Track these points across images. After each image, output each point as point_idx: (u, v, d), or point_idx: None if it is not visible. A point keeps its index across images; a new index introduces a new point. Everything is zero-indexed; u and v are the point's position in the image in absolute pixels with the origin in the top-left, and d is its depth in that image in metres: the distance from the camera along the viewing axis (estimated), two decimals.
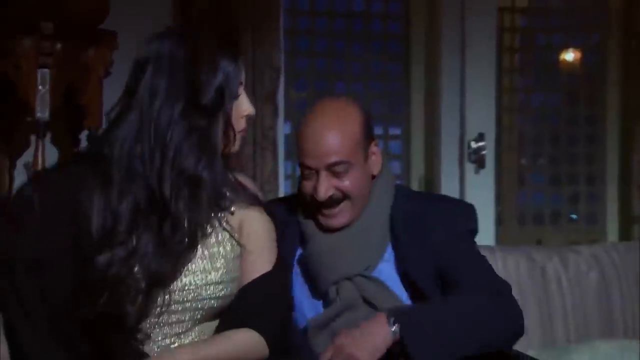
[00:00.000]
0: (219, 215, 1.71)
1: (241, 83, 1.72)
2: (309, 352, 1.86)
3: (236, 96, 1.70)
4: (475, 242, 2.07)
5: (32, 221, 1.58)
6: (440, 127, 3.58)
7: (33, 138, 3.08)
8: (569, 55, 3.96)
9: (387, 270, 1.98)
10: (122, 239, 1.59)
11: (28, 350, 1.55)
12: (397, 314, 1.80)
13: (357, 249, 1.97)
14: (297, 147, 1.98)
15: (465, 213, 2.05)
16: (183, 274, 1.66)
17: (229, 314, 1.71)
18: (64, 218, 1.59)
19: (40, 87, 2.91)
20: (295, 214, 2.03)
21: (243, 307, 1.70)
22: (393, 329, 1.78)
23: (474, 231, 2.05)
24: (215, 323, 1.73)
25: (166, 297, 1.63)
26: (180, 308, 1.68)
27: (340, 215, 1.96)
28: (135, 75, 1.66)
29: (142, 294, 1.60)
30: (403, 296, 1.97)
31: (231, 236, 1.72)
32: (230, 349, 1.65)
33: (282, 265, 1.81)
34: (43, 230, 1.58)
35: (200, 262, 1.69)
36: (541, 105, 3.96)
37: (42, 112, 2.91)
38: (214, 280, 1.69)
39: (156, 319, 1.66)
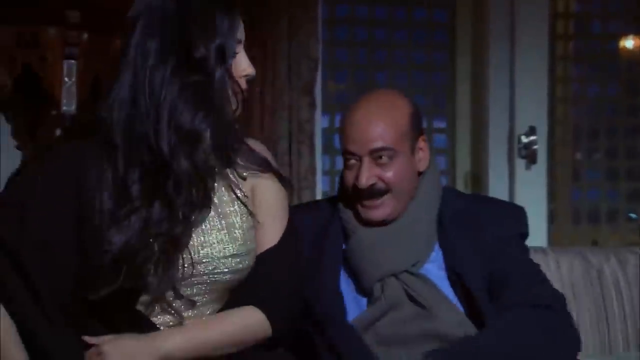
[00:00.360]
0: (232, 179, 1.71)
1: (239, 41, 1.69)
2: (358, 345, 1.85)
3: (233, 54, 1.67)
4: (526, 247, 2.06)
5: (35, 203, 1.59)
6: (488, 120, 3.54)
7: (59, 132, 3.07)
8: (629, 43, 3.84)
9: (434, 270, 1.98)
10: (136, 206, 1.60)
11: (38, 333, 1.56)
12: (435, 356, 1.77)
13: (404, 244, 1.97)
14: (340, 136, 1.99)
15: (517, 216, 2.05)
16: (200, 245, 1.66)
17: (235, 289, 1.71)
18: (68, 196, 1.60)
19: (66, 79, 2.93)
20: (337, 211, 2.04)
21: (248, 283, 1.70)
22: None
23: (525, 235, 2.05)
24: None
25: (186, 266, 1.63)
26: (197, 281, 1.67)
27: (381, 207, 1.96)
28: (127, 33, 1.65)
29: (162, 263, 1.59)
30: (450, 296, 1.95)
31: (244, 205, 1.72)
32: (229, 330, 1.66)
33: (293, 235, 1.79)
34: (47, 211, 1.60)
35: (217, 233, 1.68)
36: (597, 96, 3.86)
37: (68, 105, 2.91)
38: (231, 252, 1.68)
39: (173, 292, 1.65)
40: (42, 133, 3.16)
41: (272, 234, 1.73)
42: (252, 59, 3.18)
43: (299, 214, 2.03)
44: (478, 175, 3.64)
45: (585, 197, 3.83)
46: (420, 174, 2.01)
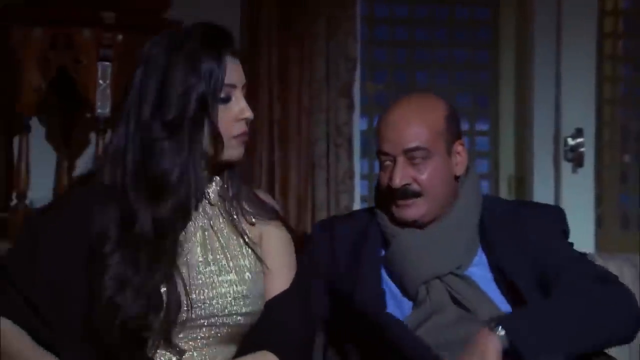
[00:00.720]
0: (240, 225, 1.76)
1: (233, 85, 1.71)
2: (412, 341, 1.86)
3: (224, 99, 1.69)
4: (570, 242, 2.06)
5: (47, 244, 1.66)
6: (532, 122, 3.50)
7: (93, 136, 3.08)
8: None
9: (479, 273, 1.99)
10: (114, 251, 1.65)
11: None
12: (501, 321, 1.79)
13: (447, 247, 1.99)
14: (376, 138, 2.03)
15: (556, 214, 2.07)
16: (211, 286, 1.70)
17: (247, 335, 1.74)
18: (78, 238, 1.65)
19: (100, 82, 2.92)
20: (374, 217, 2.06)
21: (260, 328, 1.73)
22: (501, 335, 1.77)
23: (566, 232, 2.06)
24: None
25: (194, 308, 1.67)
26: (206, 322, 1.70)
27: (414, 207, 1.98)
28: (131, 81, 1.73)
29: (162, 301, 1.65)
30: (497, 300, 1.96)
31: (253, 250, 1.77)
32: None
33: (302, 280, 1.82)
34: (58, 252, 1.66)
35: (227, 274, 1.72)
36: None
37: (103, 108, 2.91)
38: (241, 294, 1.71)
39: (180, 334, 1.69)
40: (77, 136, 3.18)
41: (281, 281, 1.77)
42: (288, 59, 3.36)
43: (336, 224, 2.04)
44: (522, 179, 3.60)
45: (633, 201, 3.77)
46: (457, 178, 2.02)
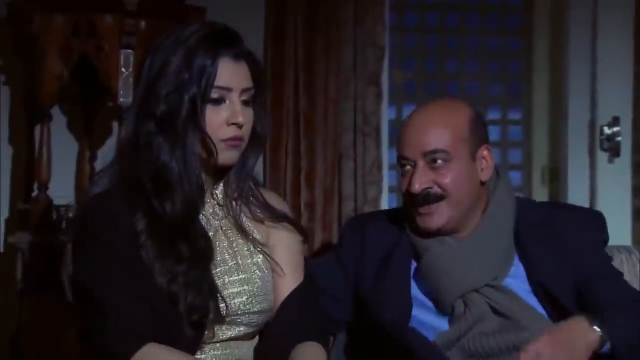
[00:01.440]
0: (247, 225, 1.79)
1: (228, 88, 1.71)
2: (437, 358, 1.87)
3: (214, 100, 1.70)
4: (608, 255, 2.07)
5: (98, 252, 1.67)
6: (567, 110, 3.46)
7: (115, 125, 3.08)
8: None
9: (516, 284, 1.97)
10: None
11: None
12: (599, 319, 1.81)
13: (483, 259, 1.97)
14: (397, 144, 2.01)
15: (597, 222, 2.06)
16: (226, 283, 1.72)
17: (283, 330, 1.77)
18: (126, 244, 1.67)
19: (123, 70, 2.91)
20: (405, 227, 2.04)
21: (287, 322, 1.77)
22: (598, 333, 1.80)
23: (605, 242, 2.06)
24: (250, 343, 1.79)
25: (221, 305, 1.70)
26: (228, 321, 1.74)
27: (436, 215, 1.96)
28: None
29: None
30: (538, 310, 1.96)
31: (260, 249, 1.80)
32: None
33: (313, 280, 1.86)
34: (109, 260, 1.67)
35: (236, 274, 1.75)
36: None
37: (125, 97, 2.90)
38: (252, 293, 1.75)
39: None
40: (98, 126, 3.18)
41: (292, 283, 1.81)
42: (314, 47, 3.34)
43: (369, 225, 2.03)
44: (556, 170, 3.58)
45: None
46: (483, 184, 1.99)
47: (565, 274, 1.93)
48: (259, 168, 3.18)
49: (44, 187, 2.97)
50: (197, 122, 1.68)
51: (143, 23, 2.93)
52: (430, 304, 1.98)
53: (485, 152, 1.99)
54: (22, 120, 3.17)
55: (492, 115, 3.77)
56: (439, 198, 1.94)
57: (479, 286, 1.94)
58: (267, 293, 1.78)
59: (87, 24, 2.92)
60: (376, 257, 2.00)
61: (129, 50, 2.90)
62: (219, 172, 1.78)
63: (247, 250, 1.79)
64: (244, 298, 1.74)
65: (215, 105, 1.71)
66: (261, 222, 1.82)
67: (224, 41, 1.71)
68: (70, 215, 2.87)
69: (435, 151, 1.93)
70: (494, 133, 3.77)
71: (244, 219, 1.81)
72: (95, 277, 1.65)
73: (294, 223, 1.86)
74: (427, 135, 1.94)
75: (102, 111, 3.15)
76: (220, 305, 1.69)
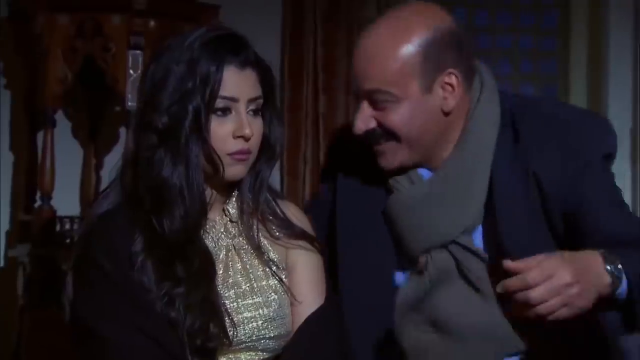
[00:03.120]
0: (263, 244, 1.79)
1: (234, 99, 1.69)
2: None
3: (219, 111, 1.68)
4: (610, 173, 1.83)
5: (105, 294, 1.66)
6: (607, 114, 3.42)
7: (123, 130, 3.09)
8: None
9: (480, 238, 1.82)
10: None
11: None
12: (616, 256, 1.62)
13: (451, 204, 1.80)
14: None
15: (596, 132, 1.82)
16: (236, 310, 1.72)
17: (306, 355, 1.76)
18: (127, 273, 1.66)
19: (131, 72, 2.93)
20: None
21: (309, 348, 1.75)
22: (613, 271, 1.61)
23: (609, 156, 1.82)
24: None
25: (229, 331, 1.69)
26: (233, 349, 1.72)
27: (390, 154, 1.81)
28: None
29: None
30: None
31: (276, 272, 1.78)
32: None
33: (333, 303, 1.82)
34: (116, 296, 1.66)
35: (251, 297, 1.74)
36: None
37: (133, 101, 2.89)
38: (268, 317, 1.74)
39: None
40: (105, 131, 3.19)
41: (312, 306, 1.79)
42: (335, 47, 3.33)
43: (342, 170, 1.91)
44: None
45: None
46: (447, 114, 1.81)
47: (534, 224, 1.75)
48: (275, 176, 3.22)
49: (46, 196, 2.99)
50: (202, 135, 1.66)
51: (152, 23, 2.96)
52: (393, 251, 1.85)
53: (448, 79, 1.77)
54: (23, 126, 3.20)
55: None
56: (388, 137, 1.80)
57: (445, 242, 1.80)
58: (284, 317, 1.76)
59: (93, 24, 2.95)
60: (348, 200, 1.90)
61: (138, 52, 2.93)
62: (230, 187, 1.76)
63: (263, 271, 1.77)
64: (259, 323, 1.72)
65: (220, 117, 1.69)
66: (279, 239, 1.80)
67: (230, 47, 1.68)
68: (75, 229, 2.87)
69: (375, 91, 1.77)
70: None
71: (260, 236, 1.79)
72: (95, 312, 1.64)
73: (314, 241, 1.83)
74: (367, 71, 1.77)
75: (109, 116, 3.18)
76: (230, 331, 1.67)
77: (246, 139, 1.69)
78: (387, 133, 1.79)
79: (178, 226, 1.65)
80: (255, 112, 1.71)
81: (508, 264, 1.54)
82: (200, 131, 1.65)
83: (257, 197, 1.76)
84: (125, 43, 2.93)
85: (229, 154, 1.69)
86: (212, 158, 1.67)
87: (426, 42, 1.75)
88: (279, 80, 3.35)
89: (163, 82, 1.66)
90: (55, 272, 2.75)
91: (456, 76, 1.77)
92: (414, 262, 1.81)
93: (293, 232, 1.79)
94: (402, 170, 1.83)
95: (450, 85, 1.77)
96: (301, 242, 1.80)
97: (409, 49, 1.75)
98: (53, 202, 2.98)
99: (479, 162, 1.81)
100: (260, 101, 1.72)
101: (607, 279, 1.60)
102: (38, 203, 3.02)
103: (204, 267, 1.68)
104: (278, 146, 1.77)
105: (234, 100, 1.68)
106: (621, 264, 1.61)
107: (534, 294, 1.53)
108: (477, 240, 1.81)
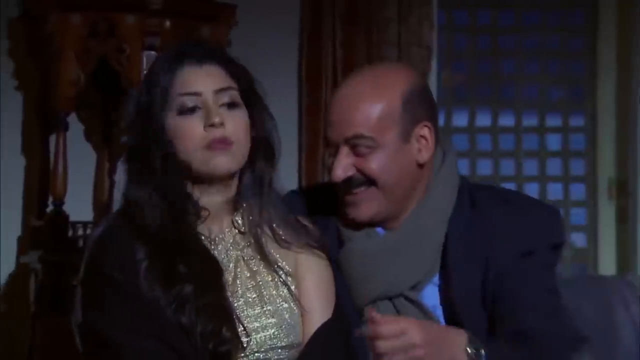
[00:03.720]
0: (271, 252, 1.79)
1: (196, 93, 1.71)
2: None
3: (183, 110, 1.70)
4: (552, 264, 1.91)
5: (118, 305, 1.67)
6: (637, 116, 3.50)
7: None
8: None
9: (434, 296, 1.89)
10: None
11: None
12: (480, 343, 1.71)
13: (404, 259, 1.87)
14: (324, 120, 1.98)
15: (544, 222, 1.90)
16: (249, 317, 1.73)
17: None
18: (136, 281, 1.67)
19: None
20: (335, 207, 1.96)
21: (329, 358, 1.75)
22: (473, 356, 1.70)
23: (555, 246, 1.90)
24: None
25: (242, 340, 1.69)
26: (254, 358, 1.73)
27: (364, 204, 1.87)
28: None
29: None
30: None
31: (286, 281, 1.79)
32: None
33: (341, 308, 1.83)
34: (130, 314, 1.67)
35: (261, 306, 1.74)
36: None
37: None
38: (279, 326, 1.74)
39: None
40: (119, 135, 3.18)
41: (322, 317, 1.79)
42: (354, 47, 3.33)
43: (297, 206, 1.94)
44: (624, 183, 3.57)
45: None
46: (421, 166, 1.89)
47: (478, 287, 1.83)
48: (293, 180, 3.21)
49: (59, 202, 2.98)
50: (166, 140, 1.71)
51: (168, 23, 2.96)
52: (346, 295, 1.89)
53: (424, 131, 1.87)
54: (35, 129, 3.20)
55: (552, 122, 3.72)
56: (366, 183, 1.86)
57: (392, 294, 1.86)
58: (295, 326, 1.75)
59: (107, 24, 2.94)
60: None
61: (153, 53, 2.91)
62: (236, 198, 1.76)
63: (272, 280, 1.77)
64: (270, 332, 1.72)
65: (188, 116, 1.71)
66: (288, 247, 1.80)
67: (185, 50, 1.73)
68: (88, 234, 2.87)
69: (356, 136, 1.83)
70: (553, 142, 3.72)
71: (269, 244, 1.79)
72: (109, 322, 1.65)
73: (323, 249, 1.83)
74: (349, 118, 1.84)
75: (124, 119, 3.15)
76: (243, 340, 1.68)
77: (218, 126, 1.69)
78: (367, 180, 1.85)
79: (157, 229, 1.68)
80: (231, 106, 1.72)
81: (372, 314, 1.65)
82: (163, 137, 1.69)
83: (260, 199, 1.76)
84: (139, 44, 2.93)
85: (205, 147, 1.69)
86: (184, 160, 1.70)
87: (405, 93, 1.85)
88: (297, 82, 3.36)
89: (127, 105, 1.72)
90: (68, 279, 2.74)
91: (429, 129, 1.87)
92: (361, 312, 1.86)
93: (302, 240, 1.80)
94: (365, 225, 1.88)
95: (424, 138, 1.87)
96: (310, 250, 1.80)
97: (391, 97, 1.85)
98: (65, 208, 2.97)
99: (436, 221, 1.88)
100: (234, 92, 1.73)
101: (464, 359, 1.68)
102: (50, 208, 3.02)
103: (207, 266, 1.69)
104: (275, 142, 1.77)
105: (196, 94, 1.70)
106: (485, 352, 1.69)
107: (381, 344, 1.63)
108: (431, 296, 1.87)
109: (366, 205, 1.86)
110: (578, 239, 3.68)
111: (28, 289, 2.98)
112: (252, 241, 1.77)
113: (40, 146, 3.16)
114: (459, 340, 1.70)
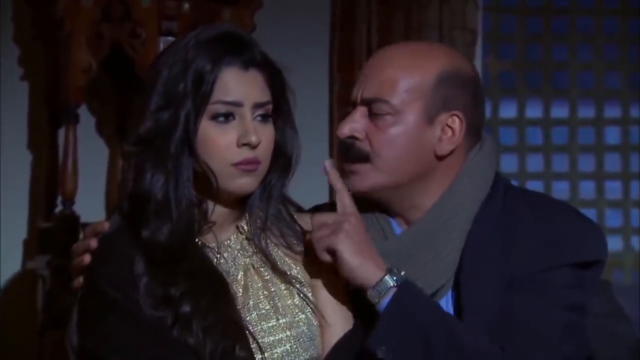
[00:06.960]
0: (282, 261, 1.79)
1: (236, 103, 1.68)
2: None
3: (219, 117, 1.68)
4: (578, 284, 1.85)
5: (116, 325, 1.66)
6: None
7: None
8: None
9: (447, 309, 1.86)
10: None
11: None
12: (404, 282, 1.74)
13: (423, 262, 1.85)
14: None
15: (575, 237, 1.85)
16: (264, 331, 1.73)
17: None
18: (136, 303, 1.66)
19: None
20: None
21: None
22: (384, 285, 1.74)
23: (585, 264, 1.84)
24: None
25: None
26: None
27: (359, 177, 1.85)
28: None
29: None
30: None
31: (300, 290, 1.79)
32: None
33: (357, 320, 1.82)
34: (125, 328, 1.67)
35: (276, 319, 1.74)
36: None
37: None
38: (297, 338, 1.74)
39: None
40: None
41: (339, 330, 1.79)
42: (391, 31, 3.33)
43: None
44: None
45: None
46: (440, 158, 1.86)
47: (491, 301, 1.81)
48: (323, 187, 3.22)
49: (68, 201, 3.01)
50: (192, 145, 1.68)
51: (186, 5, 3.00)
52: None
53: (453, 121, 1.84)
54: (43, 122, 3.22)
55: (610, 112, 3.72)
56: (364, 158, 1.85)
57: None
58: (314, 338, 1.76)
59: (121, 7, 2.98)
60: None
61: (170, 38, 2.91)
62: (242, 202, 1.76)
63: (286, 289, 1.77)
64: (288, 346, 1.73)
65: (222, 123, 1.68)
66: (299, 255, 1.80)
67: (230, 46, 1.68)
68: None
69: (378, 99, 1.82)
70: (611, 135, 3.70)
71: (279, 252, 1.79)
72: (106, 346, 1.65)
73: None
74: (376, 79, 1.83)
75: None
76: (258, 358, 1.68)
77: (252, 147, 1.67)
78: (365, 152, 1.85)
79: (163, 242, 1.67)
80: (264, 118, 1.70)
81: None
82: (191, 142, 1.66)
83: (265, 209, 1.76)
84: (156, 28, 2.96)
85: (234, 165, 1.68)
86: (205, 171, 1.67)
87: (443, 72, 1.84)
88: (328, 72, 3.36)
89: (152, 85, 1.65)
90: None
91: (460, 121, 1.84)
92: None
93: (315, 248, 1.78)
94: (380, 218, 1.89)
95: (451, 128, 1.84)
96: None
97: (426, 71, 1.84)
98: (76, 208, 3.00)
99: (457, 221, 1.86)
100: (270, 107, 1.70)
101: (370, 282, 1.72)
102: (59, 208, 3.05)
103: (212, 283, 1.68)
104: (294, 156, 1.76)
105: (237, 105, 1.68)
106: (406, 278, 1.73)
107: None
108: (446, 306, 1.86)
109: (361, 178, 1.85)
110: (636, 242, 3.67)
111: (35, 297, 3.00)
112: (260, 248, 1.76)
113: (47, 140, 3.19)
114: (380, 262, 1.75)
